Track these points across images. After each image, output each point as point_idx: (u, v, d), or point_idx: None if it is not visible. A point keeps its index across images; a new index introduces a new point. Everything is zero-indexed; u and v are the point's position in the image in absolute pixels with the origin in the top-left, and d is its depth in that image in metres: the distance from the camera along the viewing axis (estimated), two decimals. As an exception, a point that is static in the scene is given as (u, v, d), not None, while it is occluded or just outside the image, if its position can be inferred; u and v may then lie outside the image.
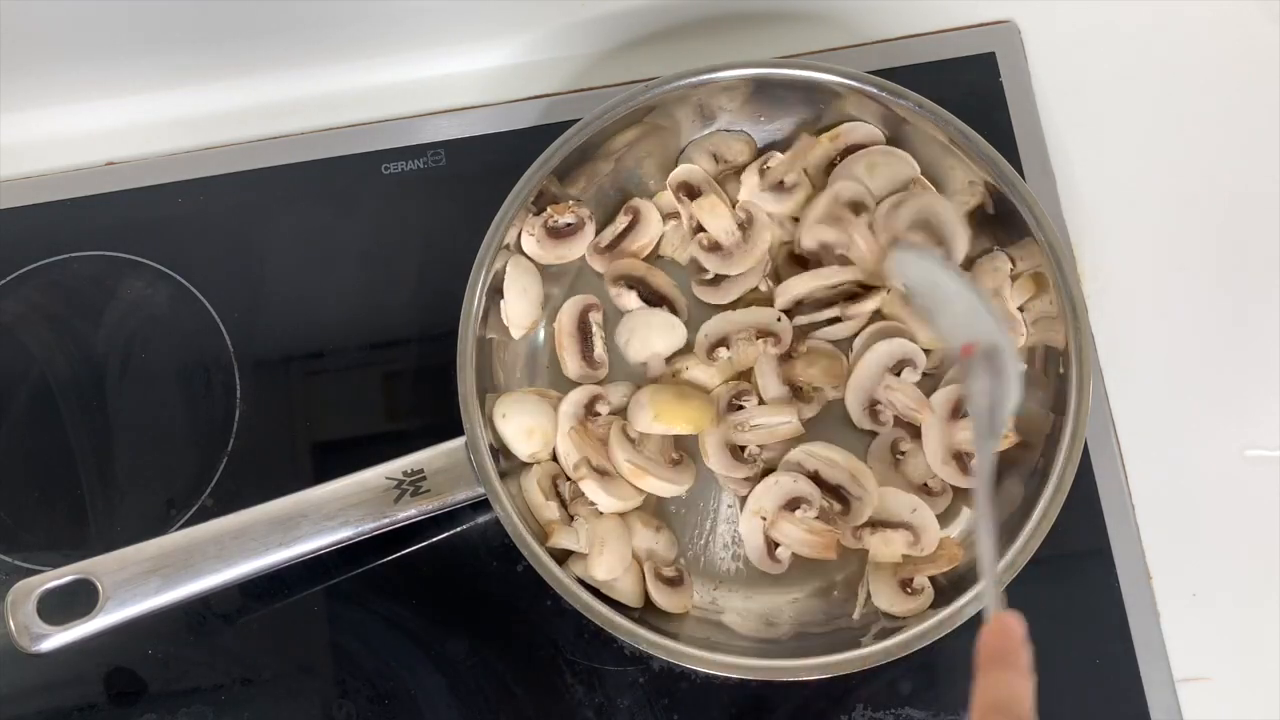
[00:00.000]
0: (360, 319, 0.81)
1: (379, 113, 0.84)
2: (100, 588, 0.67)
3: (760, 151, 0.79)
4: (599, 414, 0.74)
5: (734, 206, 0.78)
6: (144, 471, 0.78)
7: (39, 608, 0.66)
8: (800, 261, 0.77)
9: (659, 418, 0.73)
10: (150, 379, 0.80)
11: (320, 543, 0.69)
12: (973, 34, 0.84)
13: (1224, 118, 0.82)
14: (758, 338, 0.75)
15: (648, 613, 0.71)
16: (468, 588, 0.75)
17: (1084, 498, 0.74)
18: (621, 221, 0.78)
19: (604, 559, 0.70)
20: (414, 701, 0.74)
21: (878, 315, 0.76)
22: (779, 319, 0.75)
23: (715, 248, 0.77)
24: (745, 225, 0.77)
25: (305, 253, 0.82)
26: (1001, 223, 0.74)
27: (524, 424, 0.73)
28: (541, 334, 0.78)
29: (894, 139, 0.77)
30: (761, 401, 0.75)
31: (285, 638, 0.75)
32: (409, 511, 0.70)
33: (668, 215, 0.79)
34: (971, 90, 0.82)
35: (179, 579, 0.67)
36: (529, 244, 0.76)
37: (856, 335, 0.76)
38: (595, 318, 0.77)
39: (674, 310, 0.77)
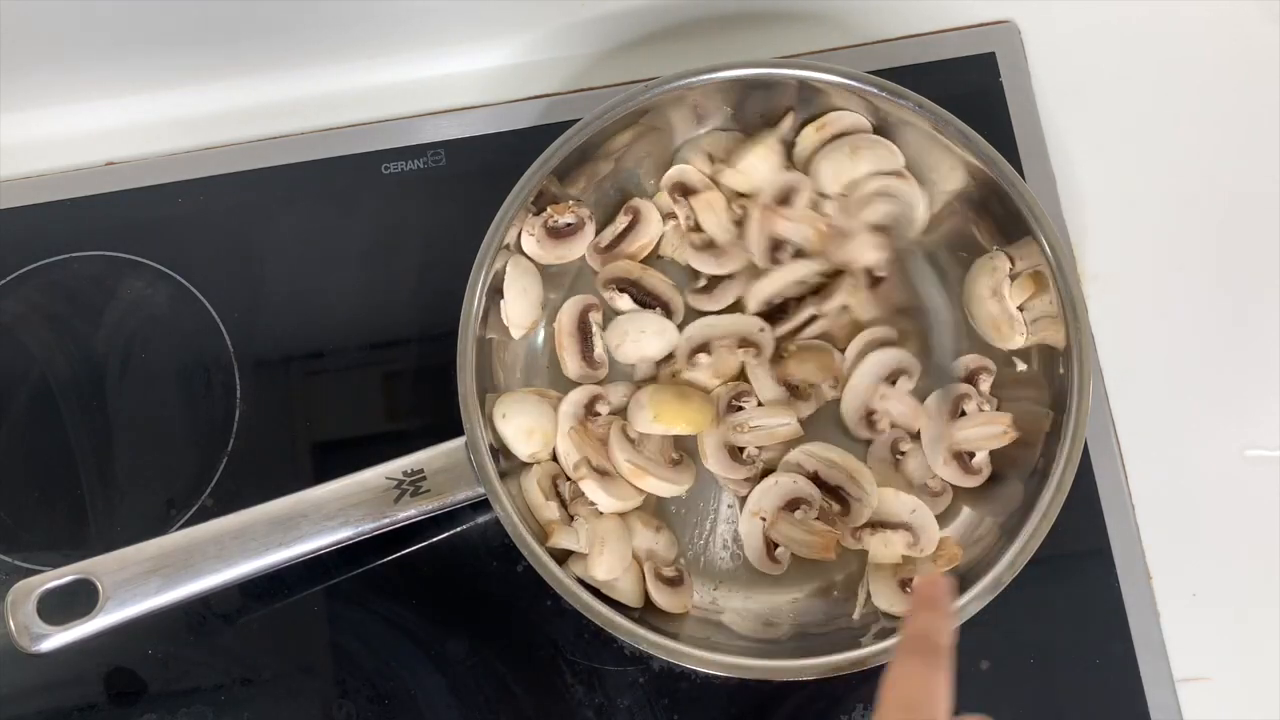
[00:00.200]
0: (360, 319, 0.81)
1: (379, 113, 0.84)
2: (100, 588, 0.67)
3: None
4: (599, 414, 0.74)
5: (729, 204, 0.77)
6: (144, 471, 0.78)
7: (39, 608, 0.66)
8: None
9: (659, 418, 0.73)
10: (150, 379, 0.80)
11: (320, 543, 0.69)
12: (972, 34, 0.84)
13: (1223, 117, 0.82)
14: (739, 347, 0.75)
15: (648, 613, 0.71)
16: (468, 588, 0.75)
17: (1084, 498, 0.74)
18: (621, 221, 0.78)
19: (604, 559, 0.70)
20: (414, 701, 0.74)
21: (845, 310, 0.76)
22: (761, 329, 0.75)
23: (709, 246, 0.77)
24: (741, 222, 0.77)
25: (305, 253, 0.82)
26: (1001, 222, 0.74)
27: (524, 424, 0.73)
28: (541, 334, 0.78)
29: (894, 139, 0.77)
30: (760, 403, 0.75)
31: (285, 638, 0.75)
32: (409, 511, 0.70)
33: (668, 215, 0.79)
34: (971, 90, 0.82)
35: (179, 579, 0.67)
36: (529, 244, 0.76)
37: (842, 328, 0.76)
38: (595, 318, 0.77)
39: (669, 312, 0.77)
